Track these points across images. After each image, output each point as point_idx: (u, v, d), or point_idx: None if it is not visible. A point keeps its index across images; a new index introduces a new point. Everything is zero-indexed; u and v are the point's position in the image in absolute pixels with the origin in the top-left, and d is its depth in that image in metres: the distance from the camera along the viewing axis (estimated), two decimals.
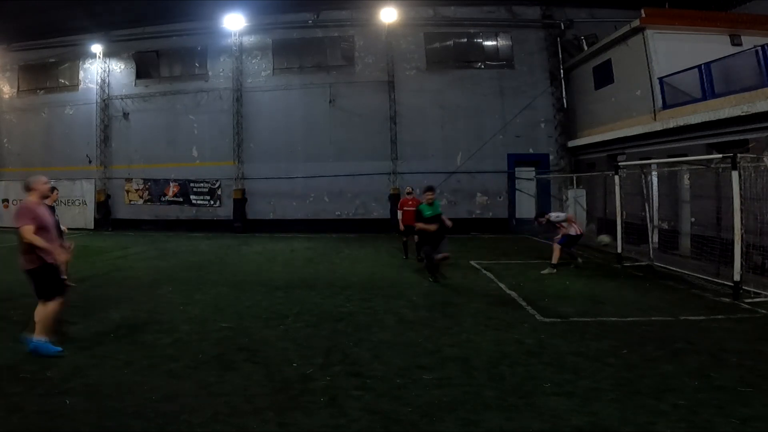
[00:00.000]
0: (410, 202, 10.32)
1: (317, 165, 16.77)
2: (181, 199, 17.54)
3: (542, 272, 8.83)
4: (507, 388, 3.89)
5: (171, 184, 17.57)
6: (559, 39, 16.31)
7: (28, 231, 4.39)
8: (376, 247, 12.72)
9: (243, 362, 4.50)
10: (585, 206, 15.02)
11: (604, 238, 8.96)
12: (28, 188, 4.78)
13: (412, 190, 11.32)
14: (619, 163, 10.81)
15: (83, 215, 17.89)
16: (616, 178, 10.14)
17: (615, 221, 10.14)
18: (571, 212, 15.18)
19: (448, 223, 8.01)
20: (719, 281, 7.50)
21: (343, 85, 16.79)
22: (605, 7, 16.03)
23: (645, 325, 5.60)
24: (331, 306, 6.62)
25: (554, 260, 8.94)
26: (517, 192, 16.67)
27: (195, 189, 17.47)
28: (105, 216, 17.74)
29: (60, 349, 4.61)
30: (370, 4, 16.03)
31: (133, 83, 17.98)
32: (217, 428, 3.28)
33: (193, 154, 17.55)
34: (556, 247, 9.05)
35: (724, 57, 10.07)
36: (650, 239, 10.01)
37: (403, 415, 3.47)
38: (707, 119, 9.70)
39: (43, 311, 4.54)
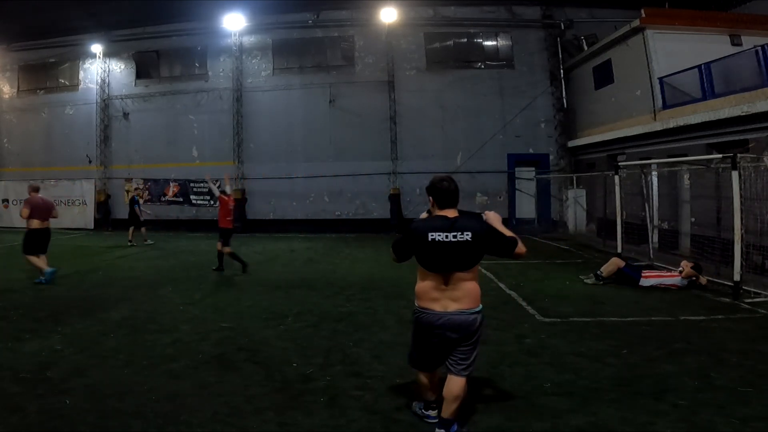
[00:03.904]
0: (231, 203, 9.42)
1: (317, 165, 16.77)
2: (181, 199, 17.54)
3: (585, 281, 8.01)
4: (507, 388, 3.89)
5: (171, 184, 17.57)
6: (559, 39, 16.31)
7: None
8: (376, 247, 12.71)
9: (243, 362, 4.50)
10: (585, 206, 15.03)
11: None
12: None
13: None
14: (619, 163, 10.80)
15: (83, 215, 17.89)
16: (616, 178, 10.14)
17: (615, 221, 10.14)
18: (571, 212, 15.23)
19: None
20: (719, 281, 7.49)
21: (343, 85, 16.79)
22: (605, 7, 16.02)
23: (645, 325, 5.59)
24: (331, 306, 6.62)
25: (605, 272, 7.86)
26: (517, 192, 16.66)
27: (195, 189, 17.46)
28: (105, 216, 17.73)
29: None
30: (370, 4, 16.02)
31: (133, 83, 17.98)
32: (217, 428, 3.28)
33: (193, 154, 17.55)
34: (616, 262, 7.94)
35: (724, 57, 10.07)
36: (650, 239, 10.02)
37: (403, 415, 3.47)
38: (707, 119, 9.70)
39: None
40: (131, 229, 13.52)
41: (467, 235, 2.95)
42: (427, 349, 3.16)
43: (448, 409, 3.07)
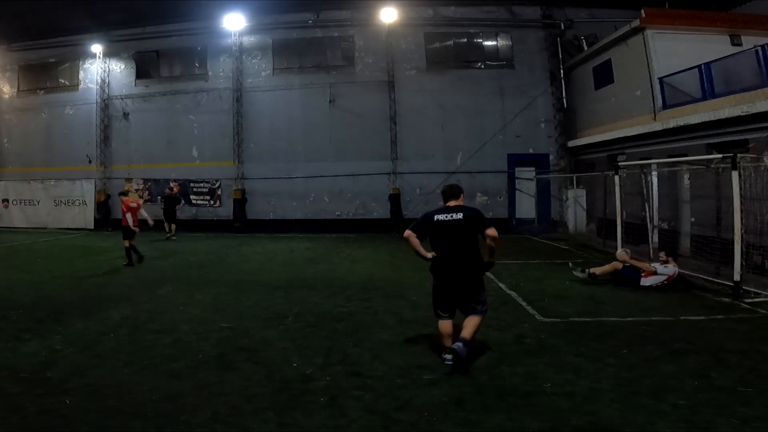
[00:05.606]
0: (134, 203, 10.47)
1: (317, 165, 16.76)
2: (181, 199, 17.54)
3: (574, 272, 8.20)
4: (507, 388, 3.89)
5: (171, 183, 17.56)
6: (559, 39, 16.29)
7: None
8: (376, 247, 12.72)
9: (243, 362, 4.50)
10: (585, 206, 15.02)
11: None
12: None
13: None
14: (619, 163, 10.80)
15: (83, 215, 17.87)
16: (616, 178, 10.12)
17: (615, 221, 10.13)
18: (571, 213, 15.22)
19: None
20: (719, 281, 7.49)
21: (343, 85, 16.77)
22: (605, 7, 16.00)
23: (645, 325, 5.59)
24: (331, 306, 6.62)
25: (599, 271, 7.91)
26: (517, 192, 16.65)
27: (195, 189, 17.47)
28: (105, 216, 17.71)
29: None
30: (370, 4, 16.01)
31: (133, 83, 17.97)
32: (217, 428, 3.28)
33: (193, 154, 17.54)
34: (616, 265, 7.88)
35: (724, 57, 10.06)
36: (650, 239, 10.01)
37: (403, 415, 3.47)
38: (707, 119, 9.69)
39: None
40: (173, 225, 14.74)
41: (459, 215, 4.43)
42: (444, 300, 4.51)
43: (465, 333, 4.33)
